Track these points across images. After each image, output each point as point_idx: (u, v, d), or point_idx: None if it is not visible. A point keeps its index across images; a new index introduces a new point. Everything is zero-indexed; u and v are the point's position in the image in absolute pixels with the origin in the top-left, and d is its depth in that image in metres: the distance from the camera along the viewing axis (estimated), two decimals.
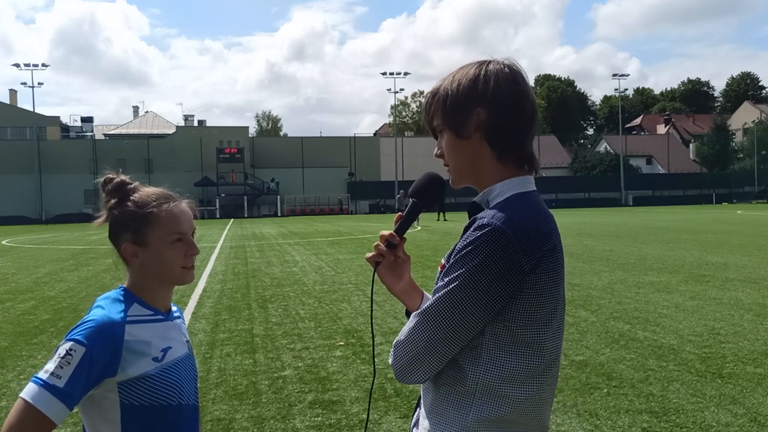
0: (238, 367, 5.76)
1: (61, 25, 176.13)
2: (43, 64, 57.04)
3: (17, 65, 56.84)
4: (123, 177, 1.70)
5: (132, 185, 1.70)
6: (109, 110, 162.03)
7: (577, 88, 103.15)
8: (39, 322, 8.17)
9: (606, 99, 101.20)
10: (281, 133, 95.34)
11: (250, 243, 21.46)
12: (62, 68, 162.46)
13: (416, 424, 1.50)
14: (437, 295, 1.36)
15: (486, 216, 1.34)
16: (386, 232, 1.50)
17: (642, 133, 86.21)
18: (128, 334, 1.56)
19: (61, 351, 1.48)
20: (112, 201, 1.67)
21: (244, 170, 56.48)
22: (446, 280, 1.35)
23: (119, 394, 1.55)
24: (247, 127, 64.28)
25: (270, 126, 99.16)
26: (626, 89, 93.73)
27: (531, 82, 1.52)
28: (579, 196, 62.95)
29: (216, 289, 10.66)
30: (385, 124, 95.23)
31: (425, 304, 1.39)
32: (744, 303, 8.14)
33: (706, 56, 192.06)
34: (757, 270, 11.17)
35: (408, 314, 1.53)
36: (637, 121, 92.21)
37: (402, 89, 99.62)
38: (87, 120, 69.36)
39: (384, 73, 63.33)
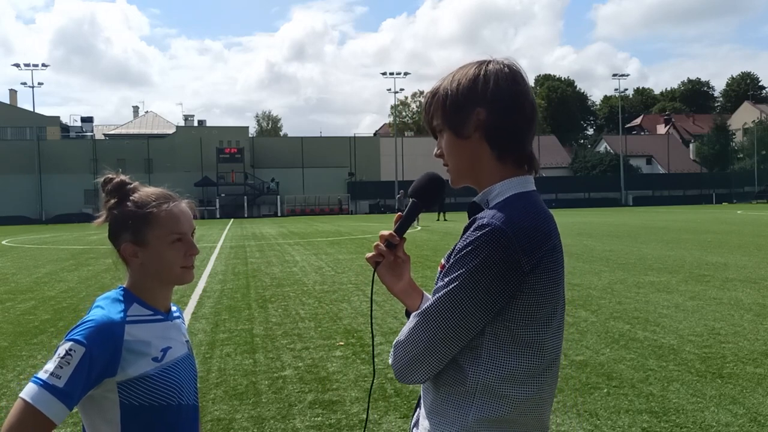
0: (238, 367, 5.76)
1: (61, 25, 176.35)
2: (43, 64, 57.07)
3: (17, 65, 56.89)
4: (123, 177, 1.70)
5: (132, 185, 1.69)
6: (109, 110, 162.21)
7: (577, 88, 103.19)
8: (39, 322, 8.17)
9: (606, 99, 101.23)
10: (281, 133, 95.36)
11: (250, 243, 21.46)
12: (62, 68, 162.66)
13: (416, 424, 1.50)
14: (437, 295, 1.36)
15: (486, 216, 1.34)
16: (386, 232, 1.50)
17: (642, 133, 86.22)
18: (128, 334, 1.56)
19: (61, 351, 1.48)
20: (112, 201, 1.66)
21: (244, 170, 56.49)
22: (446, 280, 1.35)
23: (119, 394, 1.54)
24: (247, 127, 64.34)
25: (270, 126, 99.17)
26: (626, 89, 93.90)
27: (531, 82, 1.53)
28: (579, 196, 62.95)
29: (216, 289, 10.66)
30: (385, 124, 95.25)
31: (425, 305, 1.39)
32: (744, 303, 8.14)
33: (706, 56, 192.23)
34: (757, 270, 11.17)
35: (408, 314, 1.53)
36: (637, 121, 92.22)
37: (402, 89, 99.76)
38: (87, 120, 69.37)
39: (384, 73, 63.40)
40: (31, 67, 56.27)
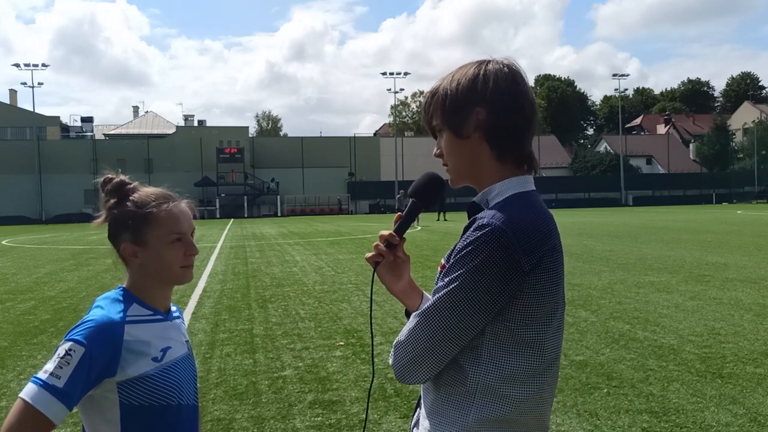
0: (238, 367, 5.76)
1: (61, 25, 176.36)
2: (43, 64, 57.08)
3: (17, 65, 56.89)
4: (122, 177, 1.70)
5: (131, 185, 1.69)
6: (109, 110, 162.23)
7: (577, 88, 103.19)
8: (39, 322, 8.17)
9: (606, 99, 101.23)
10: (281, 133, 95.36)
11: (250, 243, 21.46)
12: (62, 68, 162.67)
13: (416, 424, 1.50)
14: (437, 295, 1.36)
15: (486, 216, 1.34)
16: (386, 232, 1.50)
17: (642, 133, 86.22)
18: (128, 334, 1.56)
19: (61, 351, 1.48)
20: (112, 201, 1.66)
21: (244, 170, 56.49)
22: (446, 280, 1.35)
23: (119, 394, 1.54)
24: (247, 127, 64.34)
25: (270, 126, 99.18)
26: (626, 89, 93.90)
27: (531, 82, 1.53)
28: (579, 196, 62.95)
29: (216, 289, 10.66)
30: (385, 124, 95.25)
31: (425, 305, 1.39)
32: (744, 303, 8.14)
33: (706, 56, 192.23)
34: (757, 270, 11.17)
35: (408, 314, 1.53)
36: (637, 121, 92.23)
37: (402, 89, 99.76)
38: (87, 120, 69.38)
39: (384, 73, 63.40)
40: (31, 67, 56.28)
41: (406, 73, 64.37)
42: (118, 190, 1.67)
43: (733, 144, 73.51)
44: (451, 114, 1.43)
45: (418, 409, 1.52)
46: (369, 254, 1.50)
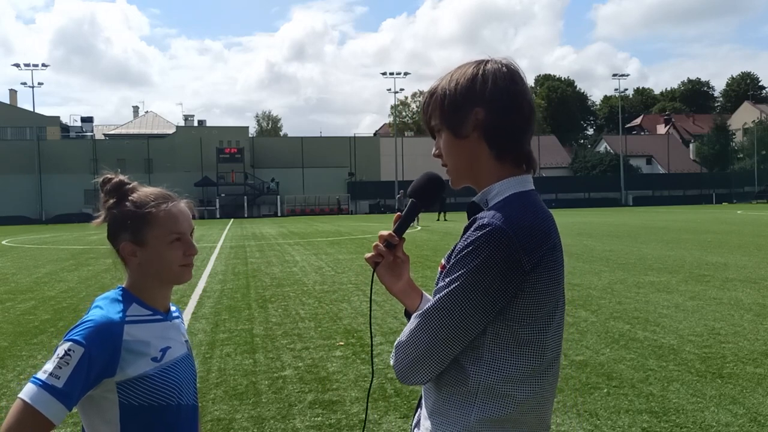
0: (238, 367, 5.76)
1: (61, 25, 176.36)
2: (43, 64, 57.07)
3: (17, 65, 56.89)
4: (121, 177, 1.70)
5: (130, 185, 1.69)
6: (109, 110, 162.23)
7: (577, 88, 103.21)
8: (39, 322, 8.17)
9: (606, 99, 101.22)
10: (281, 133, 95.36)
11: (250, 243, 21.46)
12: (62, 68, 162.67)
13: (417, 424, 1.50)
14: (438, 296, 1.35)
15: (486, 216, 1.34)
16: (385, 233, 1.49)
17: (642, 133, 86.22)
18: (127, 334, 1.56)
19: (60, 351, 1.47)
20: (111, 201, 1.66)
21: (244, 170, 56.49)
22: (447, 280, 1.34)
23: (118, 395, 1.54)
24: (247, 127, 64.36)
25: (270, 126, 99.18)
26: (626, 89, 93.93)
27: (531, 82, 1.53)
28: (579, 196, 62.95)
29: (216, 289, 10.66)
30: (385, 124, 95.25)
31: (426, 305, 1.39)
32: (744, 303, 8.14)
33: (706, 56, 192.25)
34: (757, 270, 11.17)
35: (407, 314, 1.53)
36: (637, 121, 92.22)
37: (402, 89, 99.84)
38: (87, 120, 69.38)
39: (384, 73, 63.39)
40: (31, 67, 56.28)
41: (406, 73, 64.41)
42: (117, 190, 1.67)
43: (733, 144, 73.50)
44: (449, 114, 1.43)
45: (419, 410, 1.52)
46: (368, 254, 1.50)
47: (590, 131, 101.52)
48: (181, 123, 67.95)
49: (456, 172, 1.47)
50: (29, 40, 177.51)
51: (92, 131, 67.17)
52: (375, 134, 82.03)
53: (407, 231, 1.51)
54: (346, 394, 4.90)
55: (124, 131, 67.18)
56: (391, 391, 4.86)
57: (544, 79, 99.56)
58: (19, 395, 1.45)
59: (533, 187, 1.44)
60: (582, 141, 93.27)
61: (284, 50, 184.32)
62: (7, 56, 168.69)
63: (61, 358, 1.46)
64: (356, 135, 66.03)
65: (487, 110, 1.39)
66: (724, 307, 7.92)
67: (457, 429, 1.36)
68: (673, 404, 4.46)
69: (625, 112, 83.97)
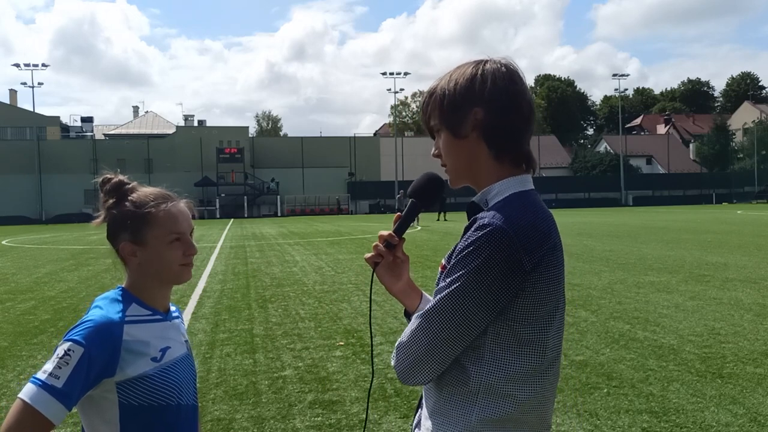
0: (238, 367, 5.76)
1: (61, 25, 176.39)
2: (43, 64, 57.07)
3: (17, 65, 56.89)
4: (121, 177, 1.70)
5: (130, 185, 1.69)
6: (109, 110, 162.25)
7: (577, 88, 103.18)
8: (39, 322, 8.17)
9: (606, 99, 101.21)
10: (281, 133, 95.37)
11: (250, 243, 21.46)
12: (62, 68, 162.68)
13: (418, 424, 1.49)
14: (439, 296, 1.35)
15: (487, 216, 1.34)
16: (385, 233, 1.49)
17: (642, 133, 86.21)
18: (127, 334, 1.55)
19: (60, 351, 1.47)
20: (110, 201, 1.66)
21: (244, 170, 56.50)
22: (448, 281, 1.34)
23: (118, 395, 1.54)
24: (247, 127, 64.36)
25: (270, 126, 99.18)
26: (626, 89, 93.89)
27: (531, 82, 1.53)
28: (579, 196, 62.95)
29: (216, 289, 10.66)
30: (385, 124, 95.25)
31: (427, 306, 1.38)
32: (744, 303, 8.14)
33: (706, 56, 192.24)
34: (757, 270, 11.17)
35: (407, 314, 1.53)
36: (637, 121, 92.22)
37: (402, 89, 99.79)
38: (87, 120, 69.38)
39: (384, 73, 63.40)
40: (31, 67, 56.28)
41: (406, 73, 64.42)
42: (117, 190, 1.67)
43: (733, 144, 73.51)
44: (449, 114, 1.43)
45: (420, 410, 1.51)
46: (368, 254, 1.50)
47: (590, 131, 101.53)
48: (181, 123, 68.00)
49: (455, 172, 1.47)
50: (29, 40, 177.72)
51: (92, 131, 67.18)
52: (375, 134, 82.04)
53: (407, 231, 1.51)
54: (346, 394, 4.90)
55: (124, 131, 67.18)
56: (391, 391, 4.86)
57: (544, 79, 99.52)
58: (19, 395, 1.45)
59: (533, 187, 1.44)
60: (582, 141, 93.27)
61: (284, 50, 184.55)
62: (7, 56, 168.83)
63: (60, 358, 1.46)
64: (356, 135, 66.07)
65: (486, 110, 1.39)
66: (724, 307, 7.92)
67: (459, 429, 1.36)
68: (673, 404, 4.46)
69: (625, 112, 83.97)
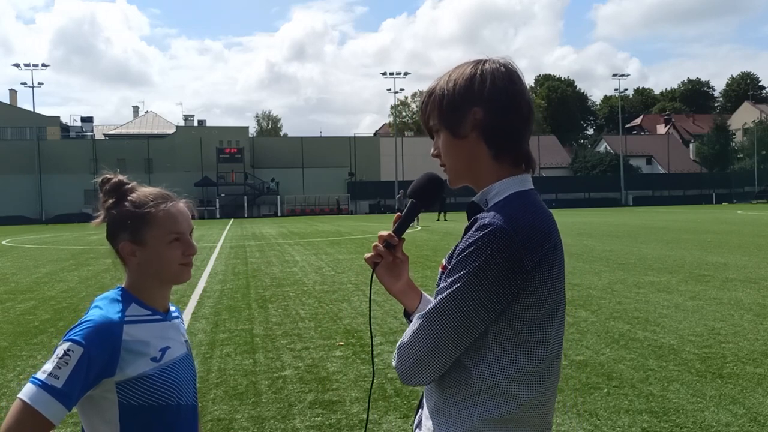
0: (238, 367, 5.76)
1: (61, 25, 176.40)
2: (43, 64, 57.07)
3: (17, 65, 56.89)
4: (120, 177, 1.70)
5: (129, 185, 1.69)
6: (109, 110, 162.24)
7: (577, 88, 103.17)
8: (39, 322, 8.17)
9: (606, 99, 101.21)
10: (281, 133, 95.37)
11: (250, 243, 21.46)
12: (62, 68, 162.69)
13: (419, 424, 1.49)
14: (440, 296, 1.35)
15: (487, 216, 1.34)
16: (385, 233, 1.49)
17: (642, 133, 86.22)
18: (126, 334, 1.55)
19: (59, 351, 1.47)
20: (110, 201, 1.66)
21: (244, 170, 56.49)
22: (449, 281, 1.34)
23: (118, 395, 1.54)
24: (247, 127, 64.36)
25: (270, 126, 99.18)
26: (626, 89, 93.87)
27: (531, 82, 1.53)
28: (579, 196, 62.95)
29: (216, 289, 10.66)
30: (385, 124, 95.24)
31: (429, 306, 1.38)
32: (744, 303, 8.14)
33: (706, 56, 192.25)
34: (757, 270, 11.17)
35: (406, 314, 1.53)
36: (637, 121, 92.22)
37: (402, 89, 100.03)
38: (87, 120, 69.38)
39: (384, 73, 63.40)
40: (31, 67, 56.28)
41: (406, 73, 64.42)
42: (116, 190, 1.67)
43: (733, 144, 73.51)
44: (448, 114, 1.43)
45: (420, 410, 1.51)
46: (368, 255, 1.50)
47: (590, 131, 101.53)
48: (181, 123, 68.00)
49: (455, 172, 1.47)
50: (29, 40, 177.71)
51: (92, 131, 67.17)
52: (375, 134, 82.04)
53: (407, 231, 1.51)
54: (346, 394, 4.90)
55: (124, 131, 67.18)
56: (392, 391, 4.86)
57: (544, 79, 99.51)
58: (19, 395, 1.45)
59: (533, 187, 1.44)
60: (582, 141, 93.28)
61: (284, 50, 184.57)
62: (7, 56, 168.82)
63: (60, 358, 1.46)
64: (356, 135, 66.06)
65: (486, 110, 1.39)
66: (724, 307, 7.92)
67: (460, 429, 1.36)
68: (673, 404, 4.46)
69: (625, 112, 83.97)
